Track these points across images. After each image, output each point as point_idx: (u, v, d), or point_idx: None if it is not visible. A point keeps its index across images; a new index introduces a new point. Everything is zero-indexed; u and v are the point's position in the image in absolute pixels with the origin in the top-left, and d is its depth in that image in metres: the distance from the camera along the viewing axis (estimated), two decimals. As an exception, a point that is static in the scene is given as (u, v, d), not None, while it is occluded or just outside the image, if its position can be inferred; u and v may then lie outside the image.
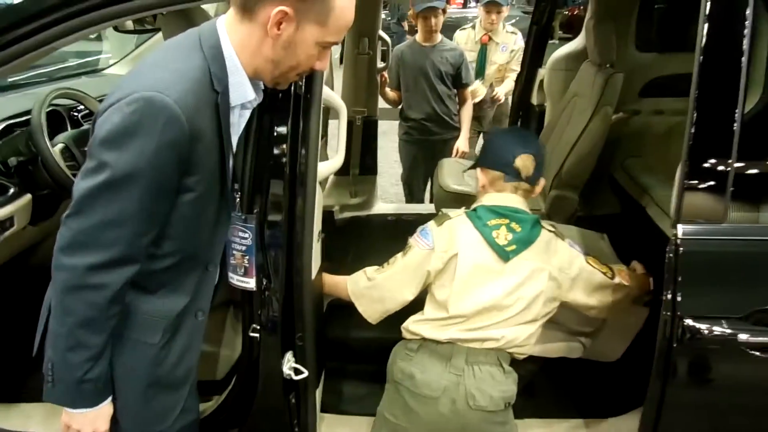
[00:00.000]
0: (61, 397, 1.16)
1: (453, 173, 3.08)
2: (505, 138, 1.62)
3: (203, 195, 1.18)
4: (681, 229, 1.29)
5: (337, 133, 1.68)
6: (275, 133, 1.38)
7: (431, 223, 1.54)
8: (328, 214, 3.21)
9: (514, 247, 1.48)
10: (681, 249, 1.27)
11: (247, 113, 1.28)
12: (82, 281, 1.07)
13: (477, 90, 3.57)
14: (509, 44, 3.79)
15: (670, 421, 1.35)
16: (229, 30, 1.15)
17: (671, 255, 1.27)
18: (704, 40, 1.26)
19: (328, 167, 1.65)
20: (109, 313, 1.11)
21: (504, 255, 1.47)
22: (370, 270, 1.61)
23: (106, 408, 1.20)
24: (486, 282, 1.49)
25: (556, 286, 1.52)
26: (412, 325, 1.56)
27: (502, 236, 1.48)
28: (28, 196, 1.88)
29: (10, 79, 2.54)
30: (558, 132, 2.90)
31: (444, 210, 1.59)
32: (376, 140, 3.58)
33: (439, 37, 3.38)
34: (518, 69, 3.52)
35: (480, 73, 3.80)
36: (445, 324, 1.51)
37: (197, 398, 1.45)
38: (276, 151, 1.39)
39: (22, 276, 2.02)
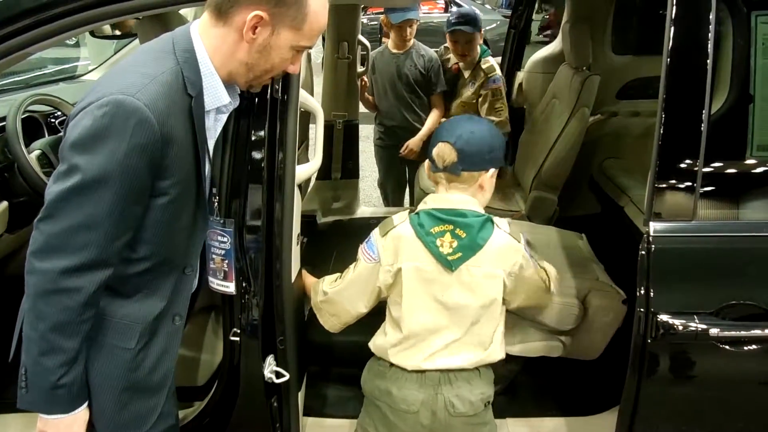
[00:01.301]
0: (35, 402, 1.14)
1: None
2: (441, 126, 1.52)
3: (178, 199, 1.17)
4: (652, 226, 1.32)
5: (314, 136, 1.68)
6: (252, 137, 1.39)
7: (376, 232, 1.47)
8: (310, 218, 3.21)
9: (459, 255, 1.37)
10: (653, 246, 1.30)
11: (224, 117, 1.29)
12: (54, 285, 1.06)
13: None
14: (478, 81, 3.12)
15: (646, 416, 1.38)
16: (202, 34, 1.16)
17: (643, 252, 1.30)
18: (671, 42, 1.30)
19: (306, 170, 1.65)
20: (82, 317, 1.10)
21: (448, 264, 1.38)
22: (328, 282, 1.58)
23: (81, 413, 1.18)
24: (436, 295, 1.41)
25: (509, 290, 1.45)
26: (374, 347, 1.54)
27: (447, 244, 1.38)
28: (4, 204, 1.87)
29: (-16, 86, 2.52)
30: (537, 134, 2.94)
31: (391, 217, 1.51)
32: (358, 144, 3.59)
33: (411, 42, 3.27)
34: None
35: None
36: (405, 348, 1.46)
37: (176, 403, 1.43)
38: (253, 155, 1.39)
39: (0, 283, 2.00)
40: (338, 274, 1.58)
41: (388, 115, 3.38)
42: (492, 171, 1.45)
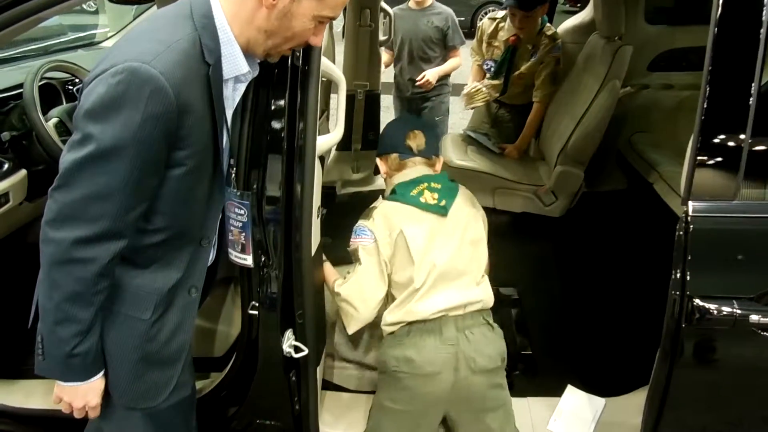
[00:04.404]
0: (51, 370, 1.14)
1: (457, 148, 3.04)
2: (394, 124, 1.76)
3: (194, 170, 1.14)
4: (691, 206, 1.25)
5: (336, 106, 1.63)
6: (272, 107, 1.34)
7: (360, 222, 1.59)
8: (329, 189, 3.18)
9: (444, 201, 1.56)
10: (691, 227, 1.23)
11: (242, 87, 1.24)
12: (68, 255, 1.04)
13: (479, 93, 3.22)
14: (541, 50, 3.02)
15: (676, 404, 1.33)
16: None
17: (681, 233, 1.23)
18: (719, 11, 1.21)
19: (327, 141, 1.60)
20: (96, 288, 1.08)
21: (441, 210, 1.54)
22: (336, 285, 1.63)
23: (97, 382, 1.19)
24: (440, 243, 1.53)
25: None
26: (391, 315, 1.55)
27: (429, 197, 1.55)
28: (23, 172, 1.85)
29: (2, 54, 2.49)
30: (564, 106, 2.84)
31: (367, 209, 1.64)
32: (379, 114, 3.53)
33: (430, 1, 3.40)
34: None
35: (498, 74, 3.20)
36: (421, 298, 1.51)
37: (192, 374, 1.43)
38: (273, 125, 1.35)
39: (20, 252, 2.00)
40: (343, 277, 1.62)
41: (406, 69, 3.46)
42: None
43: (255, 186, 1.38)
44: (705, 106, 1.23)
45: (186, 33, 1.07)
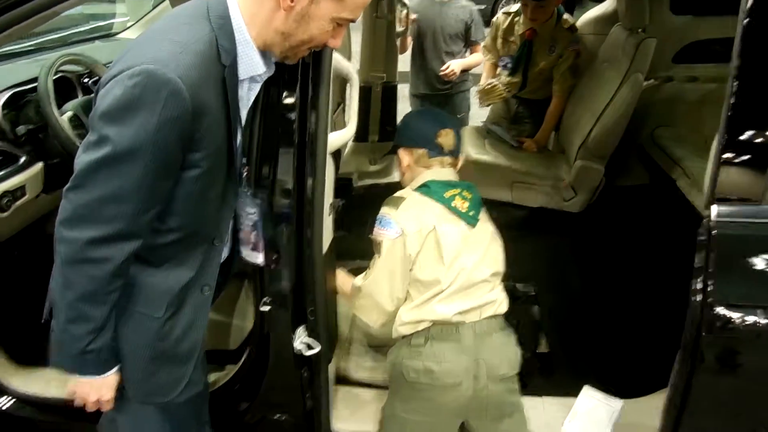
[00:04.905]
0: (66, 365, 1.16)
1: (475, 141, 3.00)
2: (423, 117, 1.72)
3: (209, 171, 1.14)
4: (715, 209, 1.20)
5: (349, 101, 1.61)
6: (283, 104, 1.32)
7: (387, 210, 1.53)
8: (346, 181, 3.16)
9: (473, 212, 1.55)
10: (715, 231, 1.18)
11: (257, 87, 1.23)
12: (82, 255, 1.05)
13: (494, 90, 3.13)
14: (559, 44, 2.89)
15: (694, 412, 1.29)
16: None
17: (703, 237, 1.18)
18: (750, 0, 1.15)
19: (339, 138, 1.58)
20: (110, 287, 1.09)
21: (470, 220, 1.53)
22: (357, 279, 1.61)
23: (111, 377, 1.20)
24: (469, 250, 1.52)
25: None
26: (409, 314, 1.51)
27: (460, 204, 1.53)
28: (39, 165, 1.87)
29: (20, 46, 2.50)
30: (585, 99, 2.78)
31: (391, 196, 1.60)
32: (396, 106, 3.50)
33: None
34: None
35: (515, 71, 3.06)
36: (444, 299, 1.48)
37: (205, 370, 1.44)
38: (284, 123, 1.33)
39: (39, 242, 2.03)
40: (363, 274, 1.58)
41: (425, 62, 3.36)
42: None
43: (266, 184, 1.37)
44: (732, 100, 1.18)
45: (202, 34, 1.06)
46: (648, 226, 2.08)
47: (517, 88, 3.04)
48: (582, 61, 2.95)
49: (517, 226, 2.81)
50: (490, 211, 1.65)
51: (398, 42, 3.31)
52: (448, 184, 1.56)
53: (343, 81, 2.94)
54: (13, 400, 1.84)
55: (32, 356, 1.97)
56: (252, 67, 1.14)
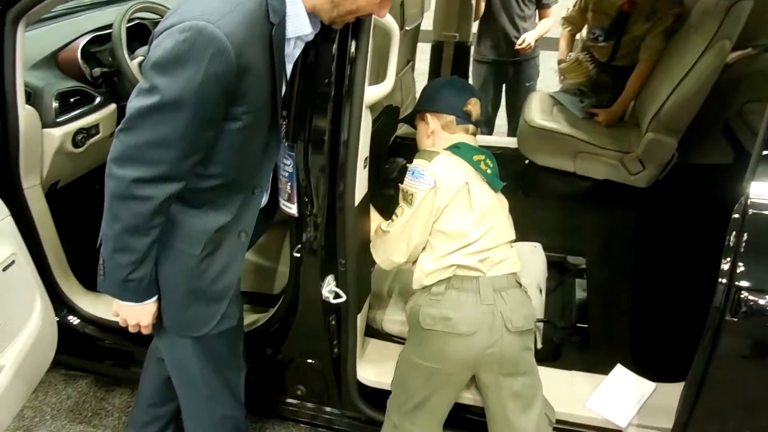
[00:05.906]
0: (110, 290, 1.28)
1: (542, 108, 2.88)
2: (454, 85, 1.72)
3: (252, 124, 1.20)
4: (754, 186, 1.11)
5: (389, 57, 1.60)
6: (321, 57, 1.34)
7: (421, 162, 1.55)
8: (410, 141, 3.14)
9: (497, 178, 1.61)
10: (749, 211, 1.10)
11: (302, 44, 1.27)
12: (128, 191, 1.14)
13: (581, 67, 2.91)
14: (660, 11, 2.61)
15: (712, 396, 1.24)
16: None
17: (737, 216, 1.11)
18: None
19: (375, 92, 1.59)
20: (152, 223, 1.19)
21: (496, 185, 1.59)
22: (384, 224, 1.62)
23: (150, 305, 1.31)
24: (494, 210, 1.57)
25: None
26: (432, 264, 1.52)
27: (485, 169, 1.58)
28: (113, 106, 2.02)
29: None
30: (665, 67, 2.58)
31: (423, 150, 1.64)
32: (468, 67, 3.42)
33: None
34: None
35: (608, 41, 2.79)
36: (470, 252, 1.51)
37: (240, 307, 1.53)
38: (321, 75, 1.36)
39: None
40: (389, 221, 1.60)
41: (493, 27, 3.27)
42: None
43: (302, 136, 1.41)
44: None
45: None
46: (719, 209, 1.93)
47: (605, 56, 2.82)
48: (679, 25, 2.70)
49: (579, 198, 2.70)
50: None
51: (474, 2, 3.22)
52: (475, 149, 1.61)
53: (412, 38, 2.91)
54: (81, 319, 2.04)
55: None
56: (300, 27, 1.19)
